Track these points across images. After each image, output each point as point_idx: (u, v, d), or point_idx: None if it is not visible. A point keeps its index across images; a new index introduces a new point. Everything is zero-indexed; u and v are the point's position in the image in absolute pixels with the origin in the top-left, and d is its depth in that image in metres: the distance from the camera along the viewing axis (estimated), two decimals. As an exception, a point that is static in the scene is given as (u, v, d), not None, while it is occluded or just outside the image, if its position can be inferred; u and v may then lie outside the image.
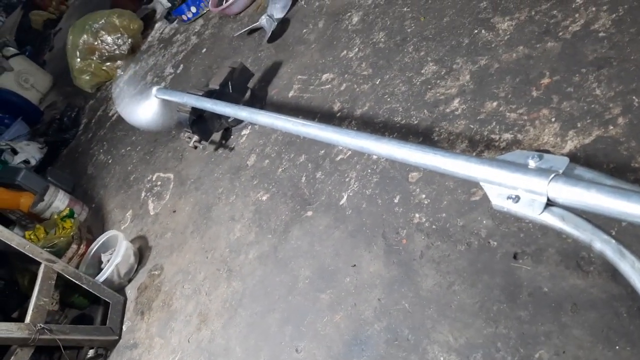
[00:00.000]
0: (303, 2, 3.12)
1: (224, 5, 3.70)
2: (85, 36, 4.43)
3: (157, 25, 4.77)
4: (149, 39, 4.74)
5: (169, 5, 4.50)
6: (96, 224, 3.18)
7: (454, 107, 1.82)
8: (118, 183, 3.38)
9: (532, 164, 1.05)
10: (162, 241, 2.60)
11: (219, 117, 2.68)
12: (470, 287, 1.39)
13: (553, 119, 1.52)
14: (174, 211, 2.69)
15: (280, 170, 2.28)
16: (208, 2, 4.00)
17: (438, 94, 1.91)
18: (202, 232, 2.40)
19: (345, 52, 2.51)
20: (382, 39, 2.36)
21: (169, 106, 3.07)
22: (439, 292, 1.45)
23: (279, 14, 3.08)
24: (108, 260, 2.57)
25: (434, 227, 1.58)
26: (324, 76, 2.50)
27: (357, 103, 2.20)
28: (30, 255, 2.18)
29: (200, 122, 2.63)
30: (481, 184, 1.12)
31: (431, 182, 1.69)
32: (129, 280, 2.56)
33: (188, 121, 2.57)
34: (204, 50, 3.78)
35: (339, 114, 2.24)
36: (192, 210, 2.57)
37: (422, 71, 2.05)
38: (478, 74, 1.84)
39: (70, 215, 2.95)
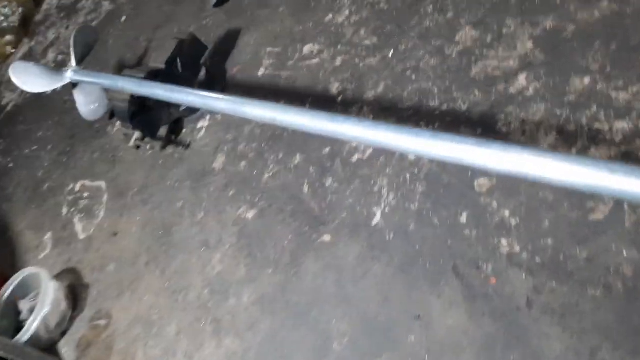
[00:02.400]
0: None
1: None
2: (-42, 4, 3.46)
3: (53, -10, 3.86)
4: (45, 6, 3.83)
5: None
6: (2, 251, 2.42)
7: (521, 85, 1.36)
8: (27, 194, 2.60)
9: None
10: (103, 276, 1.94)
11: (168, 105, 2.03)
12: (631, 355, 0.96)
13: (692, 100, 1.11)
14: (115, 234, 2.03)
15: (266, 176, 1.71)
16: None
17: (490, 68, 1.44)
18: (164, 264, 1.78)
19: (330, 15, 1.96)
20: (384, -2, 1.84)
21: (88, 92, 2.39)
22: (575, 361, 1.00)
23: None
24: (30, 309, 1.89)
25: (537, 260, 1.12)
26: (306, 48, 1.94)
27: (366, 83, 1.67)
28: None
29: (142, 113, 1.98)
30: None
31: (514, 192, 1.22)
32: (63, 334, 1.89)
33: (126, 113, 1.91)
34: (124, 18, 3.02)
35: (340, 98, 1.71)
36: (143, 233, 1.94)
37: (456, 38, 1.56)
38: (546, 39, 1.39)
39: (-35, 246, 2.18)
